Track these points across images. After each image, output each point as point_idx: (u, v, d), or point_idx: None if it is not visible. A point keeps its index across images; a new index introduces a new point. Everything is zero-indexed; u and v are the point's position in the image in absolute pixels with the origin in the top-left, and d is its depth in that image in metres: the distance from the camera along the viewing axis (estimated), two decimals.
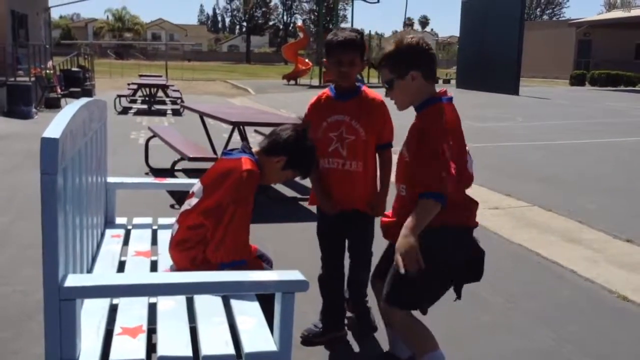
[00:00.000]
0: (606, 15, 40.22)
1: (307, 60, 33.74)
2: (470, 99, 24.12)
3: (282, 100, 20.48)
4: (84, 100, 2.46)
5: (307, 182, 3.22)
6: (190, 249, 2.50)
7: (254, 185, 2.50)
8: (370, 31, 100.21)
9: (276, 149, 2.62)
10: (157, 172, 7.30)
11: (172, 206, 5.76)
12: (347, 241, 3.15)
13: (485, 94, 25.20)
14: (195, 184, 2.65)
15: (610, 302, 3.91)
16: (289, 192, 6.77)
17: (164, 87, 18.31)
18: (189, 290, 2.07)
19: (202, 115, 7.70)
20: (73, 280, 1.83)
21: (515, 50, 25.83)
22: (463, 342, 3.24)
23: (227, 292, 2.26)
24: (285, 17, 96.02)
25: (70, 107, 2.18)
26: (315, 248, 3.23)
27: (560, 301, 3.90)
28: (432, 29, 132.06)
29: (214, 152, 7.64)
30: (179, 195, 6.04)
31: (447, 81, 36.84)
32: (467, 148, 2.50)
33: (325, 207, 3.06)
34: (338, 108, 2.99)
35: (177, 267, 2.58)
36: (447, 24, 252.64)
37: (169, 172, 6.75)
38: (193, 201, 2.56)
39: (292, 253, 4.62)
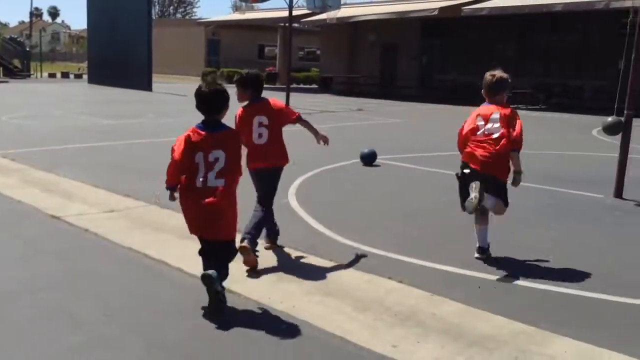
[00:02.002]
0: (232, 16, 43.05)
1: None
2: (102, 95, 23.27)
3: None
4: None
5: None
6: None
7: None
8: None
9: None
10: None
11: None
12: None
13: (118, 90, 24.63)
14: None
15: (192, 285, 3.97)
16: None
17: None
18: None
19: None
20: None
21: (145, 47, 25.77)
22: None
23: None
24: None
25: None
26: None
27: (160, 306, 3.78)
28: (63, 21, 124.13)
29: None
30: None
31: (79, 76, 34.94)
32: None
33: None
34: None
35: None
36: (80, 15, 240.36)
37: None
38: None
39: None
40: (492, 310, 3.76)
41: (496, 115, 4.58)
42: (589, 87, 22.88)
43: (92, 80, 28.86)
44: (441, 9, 23.96)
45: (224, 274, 3.66)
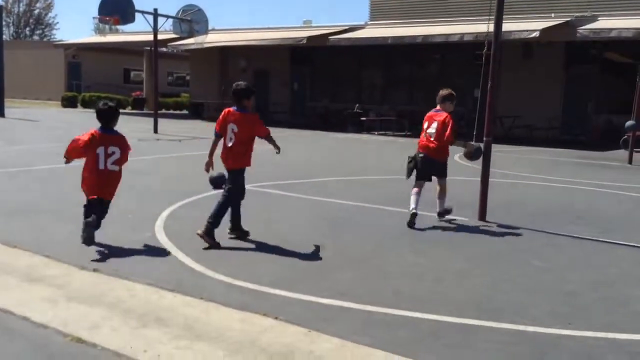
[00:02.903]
0: (95, 39, 40.87)
1: None
2: None
3: None
4: None
5: None
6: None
7: None
8: None
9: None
10: None
11: None
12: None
13: None
14: None
15: (62, 348, 3.51)
16: None
17: None
18: None
19: None
20: None
21: None
22: None
23: None
24: None
25: None
26: None
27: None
28: None
29: None
30: None
31: None
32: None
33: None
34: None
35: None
36: None
37: None
38: None
39: None
40: (371, 343, 3.64)
41: (435, 124, 6.91)
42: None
43: None
44: (309, 37, 24.38)
45: (99, 222, 5.55)
